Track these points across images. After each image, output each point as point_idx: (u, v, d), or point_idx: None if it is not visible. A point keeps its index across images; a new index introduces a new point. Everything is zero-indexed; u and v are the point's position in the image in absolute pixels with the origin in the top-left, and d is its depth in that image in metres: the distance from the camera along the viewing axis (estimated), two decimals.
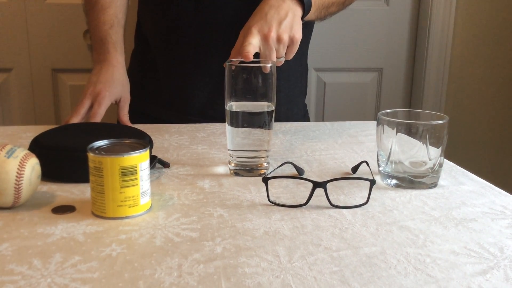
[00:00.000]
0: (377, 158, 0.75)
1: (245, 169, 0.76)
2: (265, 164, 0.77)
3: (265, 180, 0.67)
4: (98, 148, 0.62)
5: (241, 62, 0.75)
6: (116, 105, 1.03)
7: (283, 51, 0.84)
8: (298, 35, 0.85)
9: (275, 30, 0.83)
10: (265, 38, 0.82)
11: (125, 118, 1.02)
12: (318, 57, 1.88)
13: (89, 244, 0.54)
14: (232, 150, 0.77)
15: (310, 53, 1.25)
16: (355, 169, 0.79)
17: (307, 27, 1.18)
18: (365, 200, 0.66)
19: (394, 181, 0.73)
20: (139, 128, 0.86)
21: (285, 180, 0.74)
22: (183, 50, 1.10)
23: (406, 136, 0.71)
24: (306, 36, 1.19)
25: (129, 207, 0.60)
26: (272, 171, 0.77)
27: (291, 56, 0.87)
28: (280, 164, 0.79)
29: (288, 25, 0.84)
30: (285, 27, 0.84)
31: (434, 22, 1.94)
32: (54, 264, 0.50)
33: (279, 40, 0.83)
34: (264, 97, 0.74)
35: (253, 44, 0.80)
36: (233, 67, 0.73)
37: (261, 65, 0.73)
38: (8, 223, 0.59)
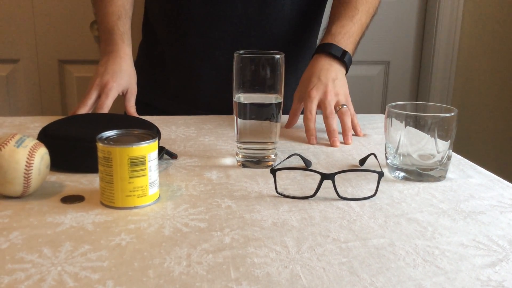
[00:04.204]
0: (385, 150, 0.75)
1: (253, 161, 0.76)
2: (272, 156, 0.77)
3: (273, 171, 0.67)
4: (107, 138, 0.62)
5: (249, 53, 0.75)
6: (123, 96, 1.03)
7: (343, 100, 0.93)
8: (348, 93, 0.96)
9: (332, 87, 0.92)
10: (324, 95, 0.91)
11: (132, 109, 1.02)
12: None
13: (98, 233, 0.54)
14: (239, 142, 0.77)
15: None
16: (362, 161, 0.79)
17: (316, 21, 1.17)
18: (373, 192, 0.66)
19: (402, 174, 0.73)
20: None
21: (292, 171, 0.74)
22: (191, 42, 1.09)
23: (415, 129, 0.70)
24: (315, 29, 1.18)
25: (138, 197, 0.61)
26: (280, 163, 0.77)
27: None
28: (287, 156, 0.79)
29: (340, 84, 0.94)
30: (339, 85, 0.94)
31: (442, 14, 1.93)
32: (64, 253, 0.50)
33: (336, 94, 0.93)
34: (272, 89, 0.74)
35: (313, 114, 0.90)
36: (241, 59, 0.73)
37: (268, 56, 0.73)
38: (17, 212, 0.59)
